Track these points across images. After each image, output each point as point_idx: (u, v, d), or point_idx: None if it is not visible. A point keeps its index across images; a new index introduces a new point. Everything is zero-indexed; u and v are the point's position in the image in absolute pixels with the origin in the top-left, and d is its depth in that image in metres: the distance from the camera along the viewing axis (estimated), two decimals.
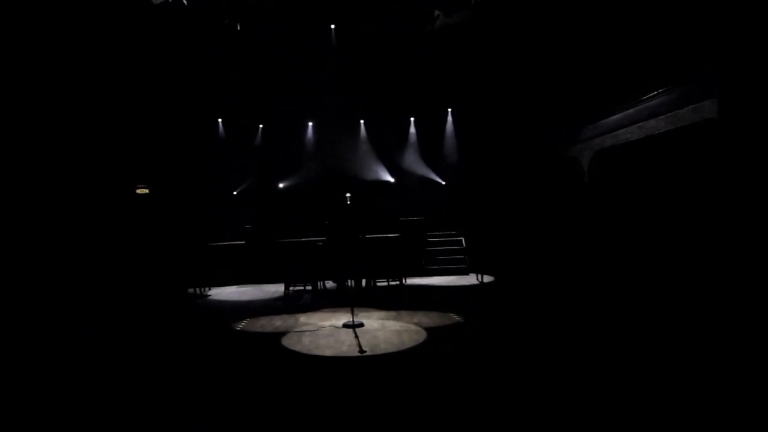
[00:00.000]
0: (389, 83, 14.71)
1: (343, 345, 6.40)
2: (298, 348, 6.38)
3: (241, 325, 7.91)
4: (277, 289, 11.39)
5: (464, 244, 13.16)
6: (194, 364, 6.00)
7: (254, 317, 8.50)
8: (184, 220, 14.36)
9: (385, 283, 11.14)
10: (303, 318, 8.26)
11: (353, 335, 6.87)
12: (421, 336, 6.71)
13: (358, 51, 14.42)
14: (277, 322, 7.98)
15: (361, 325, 7.42)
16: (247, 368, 5.71)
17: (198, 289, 11.68)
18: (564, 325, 6.96)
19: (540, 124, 12.11)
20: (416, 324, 7.40)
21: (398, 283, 10.89)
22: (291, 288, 10.82)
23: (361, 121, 15.77)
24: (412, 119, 15.64)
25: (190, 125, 14.82)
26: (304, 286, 11.21)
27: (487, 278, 11.43)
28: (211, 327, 8.02)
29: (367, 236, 11.75)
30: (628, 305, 7.76)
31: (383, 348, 6.18)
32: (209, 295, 11.40)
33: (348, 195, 7.69)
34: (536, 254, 11.66)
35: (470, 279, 11.90)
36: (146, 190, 14.30)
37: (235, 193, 15.74)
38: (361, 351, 6.09)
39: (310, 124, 15.82)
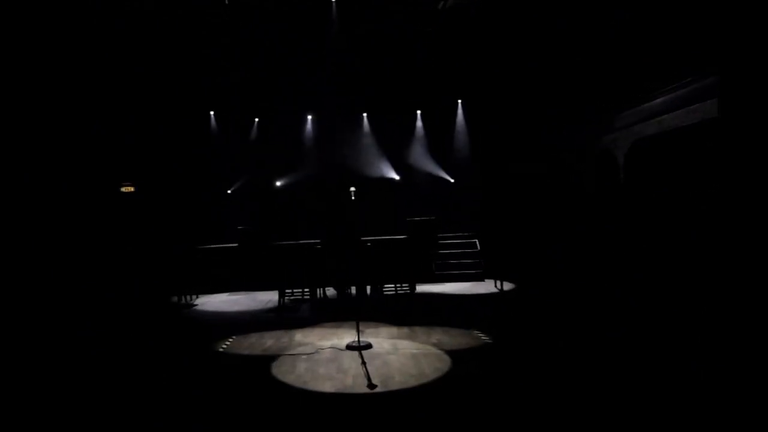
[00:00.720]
0: (394, 73, 13.38)
1: (348, 375, 5.05)
2: (291, 379, 5.04)
3: (225, 345, 6.56)
4: (271, 298, 10.05)
5: (479, 247, 11.81)
6: (156, 402, 4.66)
7: (242, 334, 7.16)
8: (172, 220, 13.04)
9: (393, 291, 9.80)
10: (299, 335, 6.92)
11: (359, 360, 5.53)
12: (443, 363, 5.36)
13: (361, 37, 13.07)
14: (268, 342, 6.63)
15: (369, 346, 6.07)
16: (224, 408, 4.36)
17: (183, 298, 10.33)
18: (610, 346, 5.62)
19: (564, 111, 10.75)
20: (435, 345, 6.05)
21: (408, 290, 9.54)
22: (286, 297, 9.45)
23: (364, 115, 14.46)
24: (418, 112, 14.34)
25: (180, 119, 13.49)
26: (302, 294, 9.87)
27: (506, 285, 10.07)
28: (189, 346, 6.67)
29: (373, 238, 10.44)
30: (683, 324, 6.41)
31: (398, 381, 4.84)
32: (195, 305, 10.06)
33: (352, 189, 6.36)
34: (561, 259, 10.31)
35: (487, 286, 10.54)
36: (131, 189, 12.99)
37: (229, 192, 14.39)
38: (371, 385, 4.75)
39: (310, 118, 14.52)
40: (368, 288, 9.73)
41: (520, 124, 12.19)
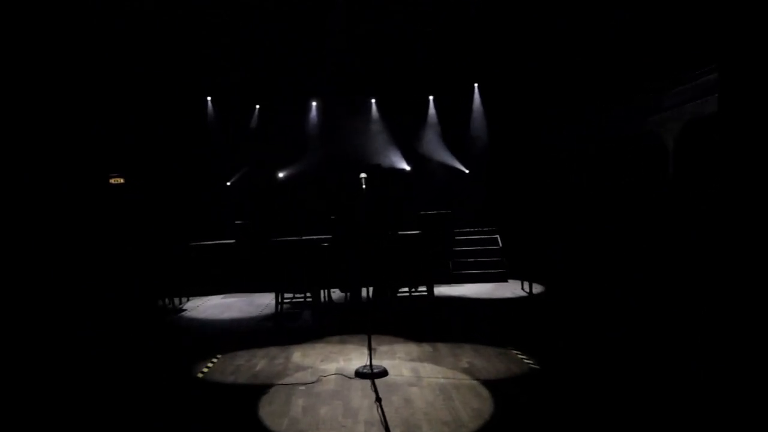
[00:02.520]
0: (405, 56, 11.97)
1: (358, 421, 3.72)
2: (283, 427, 3.71)
3: (206, 368, 5.25)
4: (269, 302, 8.74)
5: (500, 244, 10.43)
6: None
7: (230, 351, 5.85)
8: (165, 215, 11.75)
9: (408, 293, 8.47)
10: (298, 354, 5.59)
11: (373, 396, 4.19)
12: (482, 401, 4.01)
13: (369, 18, 11.65)
14: (260, 363, 5.32)
15: (384, 372, 4.74)
16: None
17: (172, 301, 9.04)
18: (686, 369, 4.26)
19: (600, 89, 9.31)
20: (468, 372, 4.71)
21: (426, 293, 8.18)
22: (285, 302, 8.13)
23: (373, 101, 13.07)
24: (431, 98, 12.95)
25: (175, 105, 12.15)
26: (304, 297, 8.55)
27: (535, 288, 8.70)
28: (164, 369, 5.36)
29: (385, 233, 9.08)
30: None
31: None
32: (184, 310, 8.78)
33: (363, 176, 5.00)
34: (598, 258, 8.91)
35: (512, 288, 9.18)
36: (121, 180, 11.69)
37: (228, 184, 13.07)
38: None
39: (314, 104, 13.15)
40: (380, 290, 8.39)
41: (545, 106, 10.77)
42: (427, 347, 5.58)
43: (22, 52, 8.52)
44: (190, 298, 9.81)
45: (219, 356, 5.67)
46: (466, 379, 4.50)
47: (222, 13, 11.16)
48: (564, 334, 5.96)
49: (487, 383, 4.37)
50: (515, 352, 5.22)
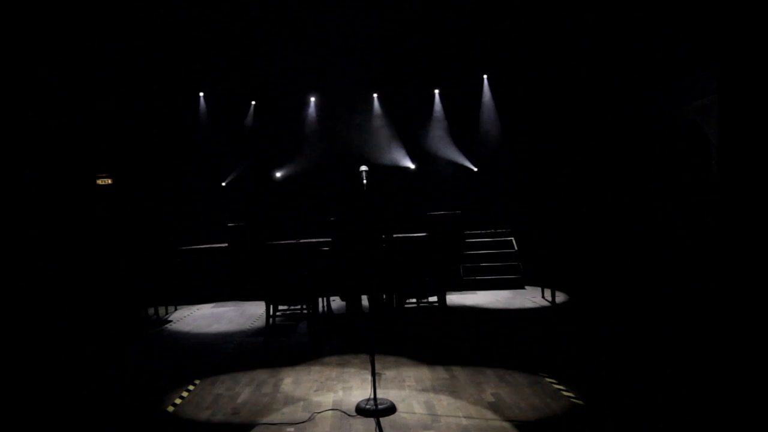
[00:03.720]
0: (408, 47, 11.15)
1: None
2: None
3: (179, 399, 4.37)
4: (263, 312, 7.84)
5: (515, 247, 9.54)
6: None
7: (211, 375, 4.98)
8: (156, 218, 10.94)
9: (415, 304, 7.60)
10: (288, 380, 4.71)
11: None
12: None
13: (369, 5, 10.83)
14: (244, 392, 4.44)
15: (391, 409, 3.86)
16: None
17: (157, 311, 8.20)
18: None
19: (624, 73, 8.41)
20: (494, 408, 3.81)
21: (436, 304, 7.29)
22: (276, 315, 7.26)
23: (375, 95, 12.24)
24: (436, 91, 12.11)
25: (166, 101, 11.38)
26: (301, 308, 7.68)
27: (557, 296, 7.81)
28: (133, 397, 4.49)
29: (389, 236, 8.21)
30: None
31: None
32: (170, 321, 7.93)
33: (364, 169, 4.13)
34: (626, 260, 8.01)
35: (531, 296, 8.29)
36: (109, 181, 10.87)
37: (223, 184, 12.25)
38: None
39: (313, 99, 12.32)
40: (384, 300, 7.51)
41: (564, 99, 9.88)
42: (441, 372, 4.70)
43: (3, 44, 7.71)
44: (178, 307, 9.00)
45: (197, 381, 4.81)
46: (494, 420, 3.61)
47: (215, 5, 10.36)
48: (603, 354, 5.06)
49: (521, 426, 3.49)
50: (549, 380, 4.33)
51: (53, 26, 8.74)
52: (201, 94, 12.19)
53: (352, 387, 4.42)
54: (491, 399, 3.98)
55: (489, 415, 3.69)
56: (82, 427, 3.96)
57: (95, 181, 10.74)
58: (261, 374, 4.93)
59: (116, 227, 10.12)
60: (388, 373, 4.72)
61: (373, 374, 3.99)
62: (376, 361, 3.98)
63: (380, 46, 11.12)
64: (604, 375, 4.43)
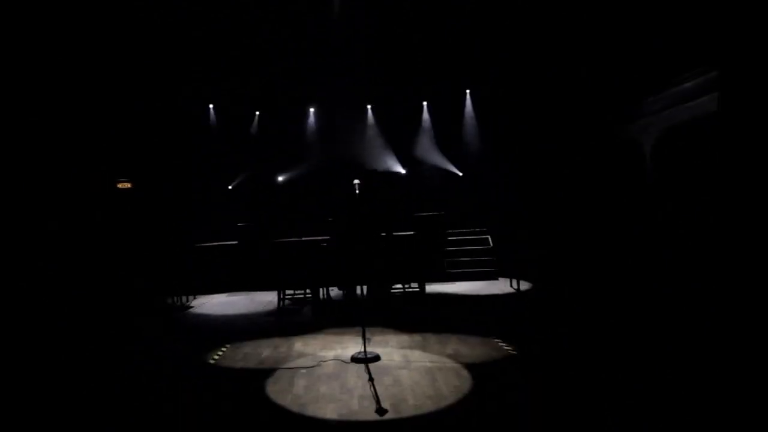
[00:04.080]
0: (399, 63, 12.50)
1: (353, 397, 4.25)
2: (288, 401, 4.24)
3: (217, 356, 5.78)
4: (271, 299, 9.28)
5: (491, 244, 10.98)
6: (130, 425, 3.88)
7: (237, 341, 6.37)
8: (171, 218, 12.25)
9: (401, 290, 9.00)
10: (299, 344, 6.12)
11: (366, 376, 4.72)
12: (463, 380, 4.55)
13: (364, 25, 12.19)
14: (265, 352, 5.84)
15: (377, 358, 5.27)
16: None
17: (179, 299, 9.56)
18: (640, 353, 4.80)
19: (583, 98, 9.85)
20: (452, 357, 5.24)
21: (418, 290, 8.72)
22: (286, 299, 8.66)
23: (369, 107, 13.66)
24: (425, 103, 13.49)
25: (178, 112, 12.68)
26: (304, 294, 9.08)
27: (522, 285, 9.24)
28: (178, 356, 5.88)
29: (380, 234, 9.60)
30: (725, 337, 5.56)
31: (412, 404, 4.03)
32: (191, 307, 9.29)
33: (356, 182, 5.54)
34: (580, 257, 9.46)
35: (502, 285, 9.72)
36: (128, 185, 12.21)
37: (230, 187, 13.60)
38: (381, 410, 3.95)
39: (312, 110, 13.71)
40: (375, 288, 8.91)
41: (533, 114, 11.31)
42: (416, 337, 6.12)
43: (31, 59, 9.00)
44: (196, 296, 10.32)
45: (227, 346, 6.19)
46: (450, 363, 5.03)
47: (224, 23, 11.73)
48: (544, 325, 6.49)
49: (468, 366, 4.91)
50: (497, 340, 5.76)
51: (81, 43, 10.04)
52: (211, 105, 13.53)
53: (348, 347, 5.82)
54: (451, 352, 5.41)
55: (447, 361, 5.11)
56: (145, 378, 5.34)
57: (116, 185, 12.07)
58: (277, 340, 6.32)
59: (136, 227, 11.42)
60: (376, 338, 6.13)
61: (364, 338, 5.39)
62: (366, 332, 5.39)
63: (374, 62, 12.39)
64: (538, 338, 5.86)
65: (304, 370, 5.04)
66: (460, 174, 13.01)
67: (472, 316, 7.31)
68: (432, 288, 9.44)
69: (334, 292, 9.59)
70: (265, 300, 9.46)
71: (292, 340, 6.29)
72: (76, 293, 8.69)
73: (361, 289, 8.97)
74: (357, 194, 5.49)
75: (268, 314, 8.22)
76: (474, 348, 5.53)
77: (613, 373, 4.52)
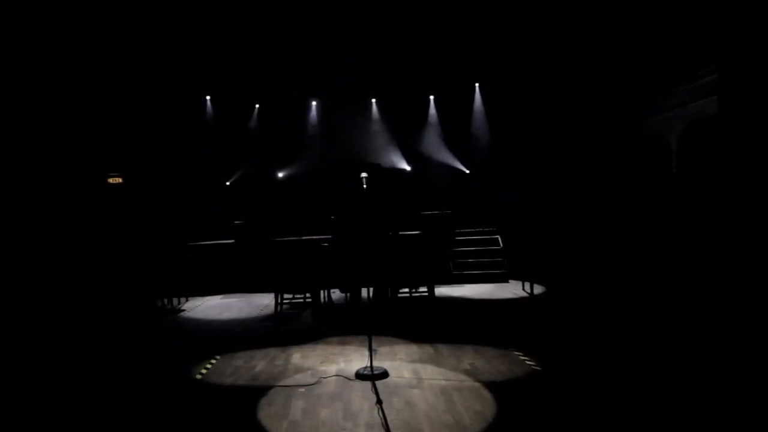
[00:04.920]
0: (405, 55, 11.91)
1: (358, 425, 3.67)
2: (283, 429, 3.66)
3: (206, 369, 5.20)
4: (269, 302, 8.69)
5: (501, 244, 10.39)
6: None
7: (230, 352, 5.79)
8: (165, 215, 11.68)
9: (407, 294, 8.42)
10: (297, 355, 5.54)
11: (374, 398, 4.14)
12: (485, 403, 3.97)
13: (368, 15, 11.59)
14: (259, 365, 5.26)
15: (385, 374, 4.69)
16: None
17: (170, 302, 9.00)
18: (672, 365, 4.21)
19: (601, 90, 9.25)
20: (469, 373, 4.66)
21: (426, 294, 8.13)
22: (284, 303, 8.08)
23: (373, 100, 13.00)
24: (431, 97, 12.88)
25: (173, 104, 12.08)
26: (304, 297, 8.51)
27: (536, 288, 8.65)
28: (162, 370, 5.31)
29: (385, 233, 9.03)
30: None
31: None
32: (183, 310, 8.73)
33: (364, 176, 4.96)
34: (598, 258, 8.87)
35: (513, 289, 9.14)
36: (119, 180, 11.62)
37: (228, 183, 13.01)
38: None
39: (314, 103, 13.05)
40: (380, 291, 8.33)
41: (547, 107, 10.71)
42: (428, 348, 5.54)
43: (18, 48, 8.45)
44: (189, 298, 9.76)
45: (218, 357, 5.62)
46: (467, 381, 4.45)
47: (221, 11, 11.13)
48: (565, 335, 5.90)
49: (488, 385, 4.33)
50: (517, 353, 5.18)
51: (70, 32, 9.46)
52: (208, 97, 12.90)
53: (352, 360, 5.24)
54: (467, 367, 4.82)
55: (464, 378, 4.53)
56: (123, 394, 4.76)
57: (106, 180, 11.48)
58: (272, 351, 5.75)
59: (129, 224, 10.84)
60: (383, 349, 5.55)
61: (370, 349, 4.81)
62: (372, 341, 4.81)
63: (379, 54, 11.78)
64: (564, 351, 5.27)
65: (302, 389, 4.46)
66: (467, 171, 12.42)
67: (485, 323, 6.72)
68: (439, 291, 8.86)
69: (336, 294, 9.02)
70: (263, 303, 8.89)
71: (290, 351, 5.71)
72: (58, 294, 8.12)
73: (367, 292, 8.44)
74: (365, 189, 4.90)
75: (265, 319, 7.63)
76: (492, 362, 4.94)
77: (653, 392, 3.94)
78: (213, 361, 5.47)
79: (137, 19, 10.42)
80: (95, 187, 10.99)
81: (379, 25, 11.49)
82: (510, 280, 9.79)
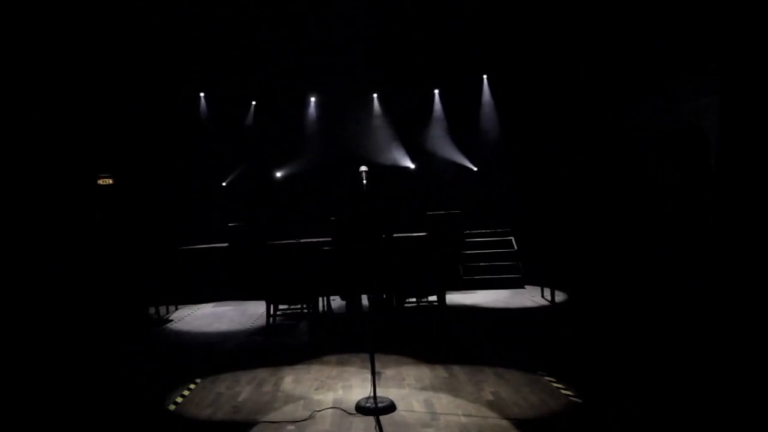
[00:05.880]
0: (408, 46, 11.11)
1: None
2: None
3: (180, 398, 4.38)
4: (264, 312, 7.84)
5: (515, 247, 9.55)
6: None
7: (212, 374, 4.99)
8: (158, 218, 10.91)
9: (415, 303, 7.59)
10: (289, 379, 4.72)
11: None
12: None
13: (369, 5, 10.78)
14: (244, 391, 4.45)
15: (391, 407, 3.87)
16: None
17: (158, 311, 8.21)
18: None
19: (627, 78, 8.41)
20: (493, 407, 3.82)
21: (436, 302, 7.29)
22: (277, 314, 7.25)
23: (375, 95, 12.19)
24: (436, 91, 12.06)
25: (166, 101, 11.32)
26: (301, 307, 7.68)
27: (556, 295, 7.80)
28: (130, 397, 4.50)
29: (389, 235, 8.21)
30: None
31: None
32: (170, 321, 7.94)
33: (363, 170, 4.15)
34: (626, 261, 8.02)
35: (531, 295, 8.30)
36: (110, 181, 10.84)
37: (224, 184, 12.23)
38: None
39: (313, 99, 12.26)
40: (384, 299, 7.50)
41: (565, 100, 9.87)
42: (441, 371, 4.71)
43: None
44: (179, 306, 8.99)
45: (198, 380, 4.81)
46: (493, 418, 3.62)
47: (216, 4, 10.33)
48: (602, 354, 5.06)
49: (520, 424, 3.49)
50: (548, 379, 4.34)
51: (54, 25, 8.73)
52: (202, 94, 12.14)
53: (353, 386, 4.43)
54: (490, 397, 3.99)
55: (488, 413, 3.70)
56: (84, 426, 3.97)
57: (96, 181, 10.71)
58: (261, 373, 4.93)
59: (117, 227, 10.09)
60: (388, 372, 4.73)
61: (373, 373, 3.99)
62: (375, 360, 3.99)
63: (380, 46, 10.99)
64: (602, 374, 4.44)
65: (291, 426, 3.65)
66: (475, 169, 11.59)
67: (505, 337, 5.88)
68: (449, 298, 7.99)
69: (336, 302, 8.21)
70: (257, 312, 8.08)
71: (281, 373, 4.90)
72: (35, 303, 7.33)
73: (369, 300, 7.63)
74: (364, 185, 4.08)
75: (256, 332, 6.83)
76: (519, 390, 4.11)
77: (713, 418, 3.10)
78: (192, 386, 4.66)
79: (128, 13, 9.67)
80: (84, 188, 10.22)
81: (380, 14, 10.71)
82: (526, 286, 8.96)
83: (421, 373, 4.69)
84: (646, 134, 8.31)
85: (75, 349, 6.28)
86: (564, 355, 5.05)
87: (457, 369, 4.72)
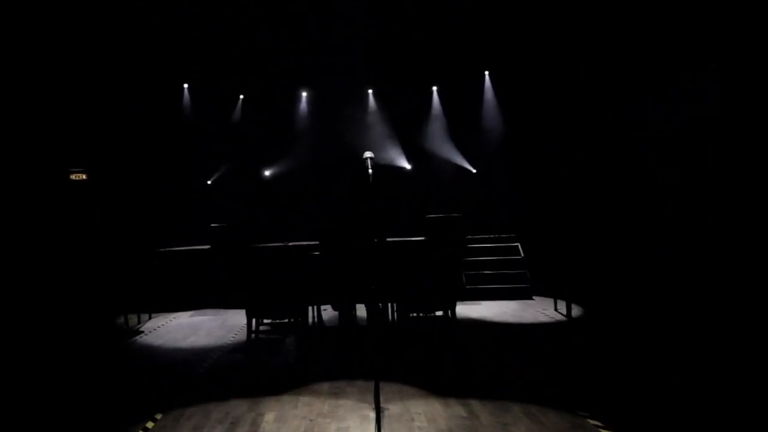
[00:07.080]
0: (406, 41, 10.29)
1: None
2: None
3: None
4: (245, 322, 6.89)
5: (522, 253, 8.67)
6: None
7: (177, 406, 4.02)
8: (135, 216, 9.93)
9: (417, 315, 6.68)
10: (270, 415, 3.77)
11: None
12: None
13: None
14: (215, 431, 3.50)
15: None
16: None
17: (127, 321, 7.21)
18: None
19: (624, 77, 7.69)
20: None
21: (443, 316, 6.35)
22: (260, 329, 6.29)
23: (370, 91, 11.38)
24: (434, 88, 11.26)
25: (146, 92, 10.37)
26: (289, 319, 6.71)
27: (573, 309, 6.92)
28: None
29: (384, 239, 7.31)
30: None
31: None
32: (141, 332, 6.94)
33: (369, 155, 3.25)
34: (648, 268, 7.18)
35: (542, 308, 7.42)
36: (83, 177, 9.82)
37: (209, 182, 11.28)
38: None
39: (305, 94, 11.45)
40: (381, 311, 6.56)
41: (564, 98, 9.09)
42: (457, 407, 3.79)
43: None
44: (153, 315, 8.01)
45: (159, 416, 3.85)
46: None
47: None
48: (650, 387, 4.17)
49: None
50: (593, 422, 3.43)
51: (25, 15, 7.77)
52: (185, 85, 11.27)
53: (350, 428, 3.50)
54: None
55: None
56: None
57: (68, 177, 9.69)
58: (237, 407, 3.98)
59: (88, 226, 9.12)
60: (392, 408, 3.80)
61: (378, 410, 3.08)
62: (378, 390, 3.07)
63: (376, 41, 10.25)
64: (654, 412, 3.55)
65: None
66: (474, 170, 10.77)
67: (527, 362, 4.97)
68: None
69: (327, 313, 7.27)
70: (238, 323, 7.10)
71: (261, 406, 3.95)
72: None
73: (368, 314, 6.70)
74: (369, 174, 3.18)
75: (235, 349, 5.85)
76: None
77: None
78: (150, 425, 3.70)
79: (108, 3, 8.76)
80: (53, 183, 9.21)
81: (378, 10, 9.93)
82: (535, 297, 8.09)
83: (433, 409, 3.76)
84: (646, 134, 7.67)
85: (22, 366, 5.27)
86: (605, 388, 4.14)
87: (476, 405, 3.80)
